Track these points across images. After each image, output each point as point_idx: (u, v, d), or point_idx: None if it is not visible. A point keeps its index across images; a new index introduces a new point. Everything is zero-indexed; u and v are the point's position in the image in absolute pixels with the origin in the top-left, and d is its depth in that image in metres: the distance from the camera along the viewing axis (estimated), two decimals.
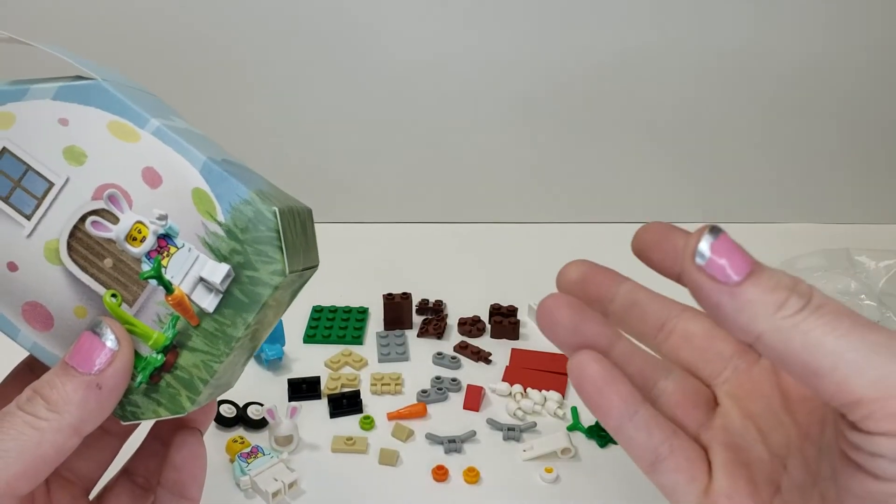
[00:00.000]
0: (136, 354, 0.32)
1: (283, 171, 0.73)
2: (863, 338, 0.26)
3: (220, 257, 0.31)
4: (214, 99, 0.90)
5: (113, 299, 0.32)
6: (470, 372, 0.73)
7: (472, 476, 0.60)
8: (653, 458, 0.32)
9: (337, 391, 0.69)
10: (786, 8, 0.74)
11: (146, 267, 0.32)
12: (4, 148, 0.32)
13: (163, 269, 0.32)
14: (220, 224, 0.31)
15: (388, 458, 0.62)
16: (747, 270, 0.28)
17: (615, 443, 0.62)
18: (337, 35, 0.86)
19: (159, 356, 0.32)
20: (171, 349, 0.32)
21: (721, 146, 0.81)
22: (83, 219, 0.32)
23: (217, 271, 0.31)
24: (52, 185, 0.32)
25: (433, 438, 0.64)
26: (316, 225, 0.35)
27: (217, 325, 0.32)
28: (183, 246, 0.32)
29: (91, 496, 0.37)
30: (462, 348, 0.75)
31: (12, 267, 0.33)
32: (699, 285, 0.28)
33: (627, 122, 0.80)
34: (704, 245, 0.28)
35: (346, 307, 0.82)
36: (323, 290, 0.83)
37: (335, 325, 0.79)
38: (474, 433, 0.64)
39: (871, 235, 0.80)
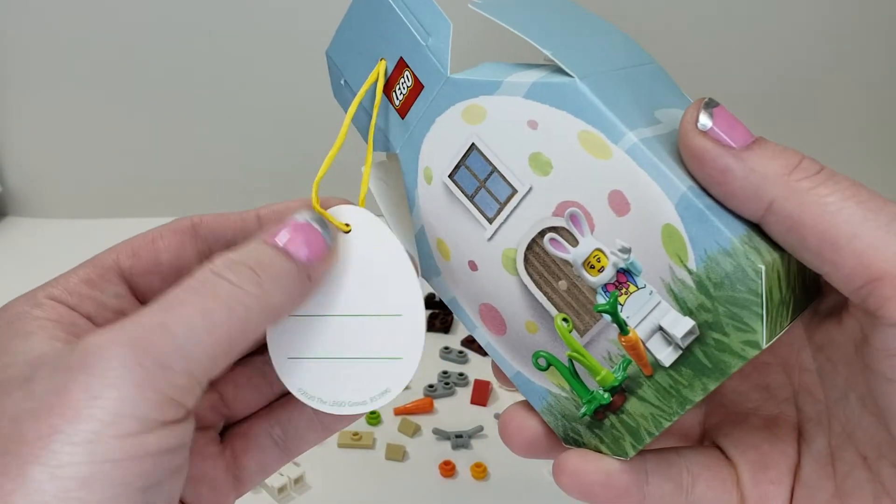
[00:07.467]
0: (583, 386, 0.30)
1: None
2: (883, 207, 0.24)
3: (685, 310, 0.27)
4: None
5: (564, 324, 0.29)
6: (477, 366, 0.72)
7: (479, 472, 0.59)
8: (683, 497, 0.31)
9: None
10: None
11: (601, 300, 0.28)
12: (473, 144, 0.30)
13: (619, 307, 0.28)
14: (689, 272, 0.26)
15: (395, 454, 0.61)
16: (751, 139, 0.26)
17: None
18: None
19: (606, 395, 0.29)
20: (619, 391, 0.29)
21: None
22: (542, 233, 0.29)
23: (679, 325, 0.27)
24: (515, 191, 0.29)
25: (440, 434, 0.63)
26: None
27: (672, 381, 0.27)
28: (644, 287, 0.27)
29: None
30: (469, 342, 0.74)
31: (472, 266, 0.31)
32: (704, 151, 0.26)
33: None
34: (705, 115, 0.27)
35: None
36: None
37: None
38: (482, 428, 0.64)
39: None
